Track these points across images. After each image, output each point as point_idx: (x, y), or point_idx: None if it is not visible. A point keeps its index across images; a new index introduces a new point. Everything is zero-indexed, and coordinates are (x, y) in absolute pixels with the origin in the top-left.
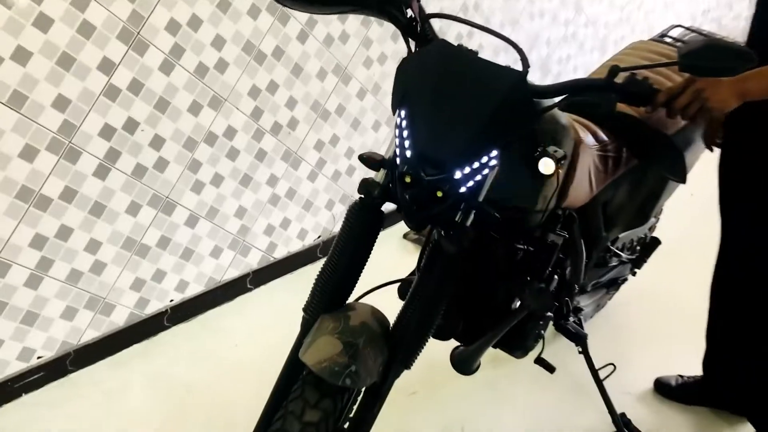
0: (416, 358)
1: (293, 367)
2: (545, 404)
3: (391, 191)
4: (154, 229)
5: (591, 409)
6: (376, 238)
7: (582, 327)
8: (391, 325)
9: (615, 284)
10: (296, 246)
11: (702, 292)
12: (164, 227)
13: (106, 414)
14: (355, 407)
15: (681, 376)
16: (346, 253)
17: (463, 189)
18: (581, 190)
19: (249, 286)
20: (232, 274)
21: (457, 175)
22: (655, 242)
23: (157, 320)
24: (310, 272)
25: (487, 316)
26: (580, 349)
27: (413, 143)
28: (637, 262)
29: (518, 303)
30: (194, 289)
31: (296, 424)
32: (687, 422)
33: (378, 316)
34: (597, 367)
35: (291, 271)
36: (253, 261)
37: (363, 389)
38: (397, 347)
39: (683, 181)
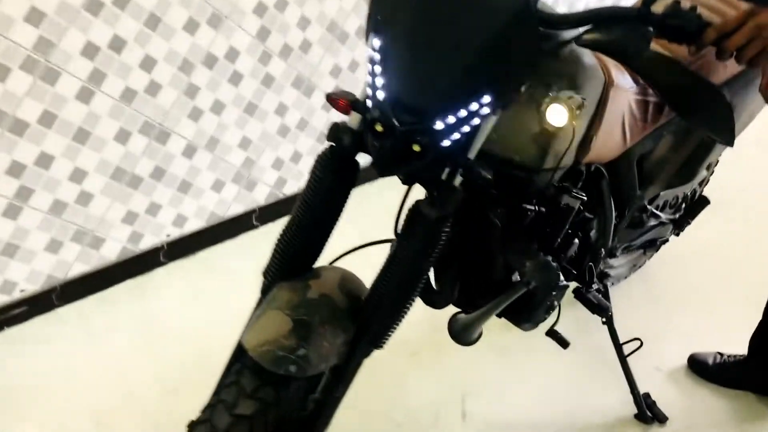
0: (389, 336)
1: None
2: (559, 379)
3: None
4: (147, 159)
5: (612, 387)
6: (349, 193)
7: (607, 295)
8: (367, 293)
9: (653, 245)
10: None
11: (759, 255)
12: (158, 157)
13: (91, 353)
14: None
15: (720, 354)
16: (313, 209)
17: (446, 143)
18: (611, 143)
19: (255, 222)
20: (237, 209)
21: (438, 125)
22: (703, 202)
23: (153, 256)
24: None
25: (485, 286)
26: (603, 320)
27: (386, 83)
28: (680, 223)
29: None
30: (194, 225)
31: (225, 417)
32: (724, 408)
33: (349, 285)
34: (622, 340)
35: None
36: (260, 197)
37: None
38: (367, 323)
39: (730, 143)
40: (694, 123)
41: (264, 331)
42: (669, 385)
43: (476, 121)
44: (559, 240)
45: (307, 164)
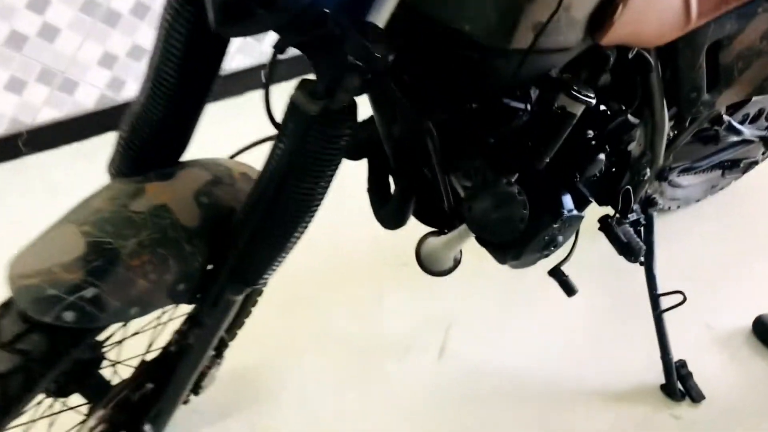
0: (267, 273)
1: None
2: (570, 326)
3: None
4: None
5: (637, 347)
6: (221, 57)
7: (651, 229)
8: (240, 208)
9: (736, 166)
10: None
11: None
12: None
13: (51, 207)
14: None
15: None
16: (161, 80)
17: None
18: (659, 16)
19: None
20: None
21: None
22: None
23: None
24: None
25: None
26: (641, 261)
27: None
28: None
29: None
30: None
31: None
32: None
33: (221, 191)
34: (662, 290)
35: None
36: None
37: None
38: (235, 250)
39: None
40: None
41: (38, 255)
42: (717, 354)
43: None
44: (544, 162)
45: None
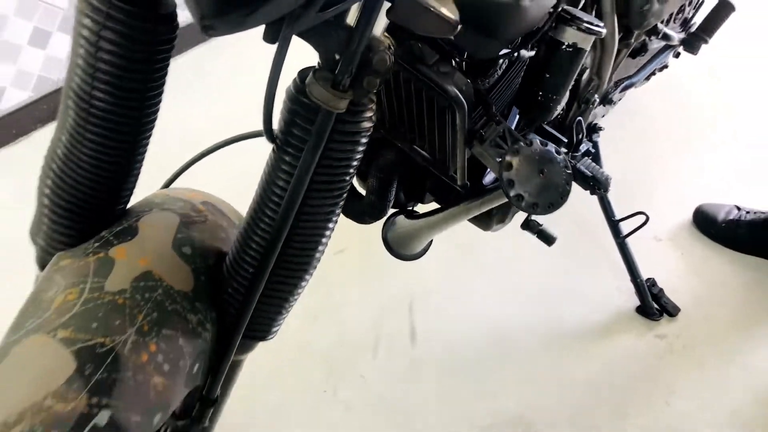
0: (280, 320)
1: None
2: (538, 269)
3: None
4: None
5: (606, 275)
6: (165, 60)
7: (598, 157)
8: (233, 247)
9: (653, 74)
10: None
11: None
12: None
13: None
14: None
15: (738, 209)
16: (91, 109)
17: None
18: None
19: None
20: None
21: None
22: (726, 9)
23: None
24: None
25: (441, 185)
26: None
27: None
28: (692, 43)
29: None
30: (17, 98)
31: None
32: (744, 290)
33: (199, 231)
34: (619, 215)
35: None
36: None
37: None
38: (240, 300)
39: None
40: None
41: (12, 390)
42: (673, 261)
43: None
44: (557, 110)
45: None
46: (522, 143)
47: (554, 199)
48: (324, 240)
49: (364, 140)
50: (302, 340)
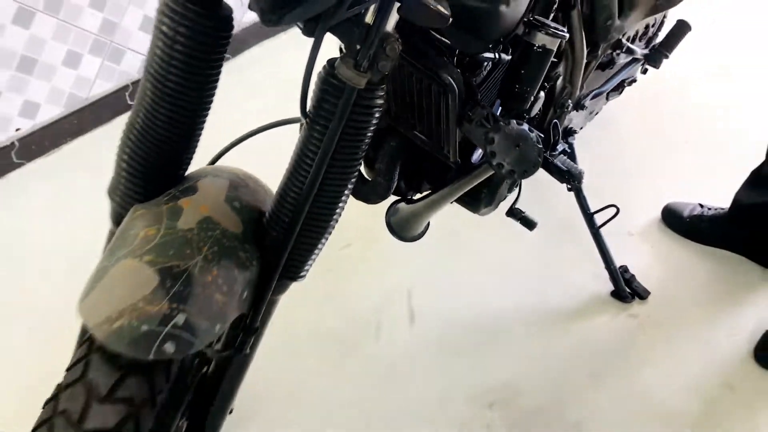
0: (312, 260)
1: None
2: (522, 259)
3: None
4: None
5: (583, 264)
6: (222, 55)
7: (574, 156)
8: (272, 205)
9: (619, 88)
10: None
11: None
12: None
13: None
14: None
15: (701, 206)
16: (166, 90)
17: None
18: None
19: (131, 102)
20: (104, 88)
21: None
22: (684, 28)
23: (2, 157)
24: None
25: (438, 167)
26: (570, 187)
27: None
28: (655, 58)
29: (481, 155)
30: (49, 113)
31: None
32: (706, 275)
33: (244, 193)
34: (593, 209)
35: None
36: (131, 68)
37: None
38: (278, 247)
39: None
40: None
41: (113, 296)
42: (644, 253)
43: None
44: (531, 100)
45: None
46: (501, 123)
47: (528, 167)
48: (343, 197)
49: (377, 114)
50: (314, 324)
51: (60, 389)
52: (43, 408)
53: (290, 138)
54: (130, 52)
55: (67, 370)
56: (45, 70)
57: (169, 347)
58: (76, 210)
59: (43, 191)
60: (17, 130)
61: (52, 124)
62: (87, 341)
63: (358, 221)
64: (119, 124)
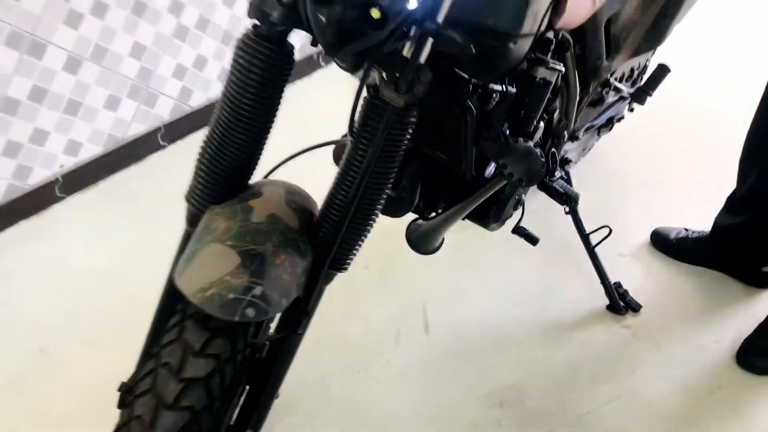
0: (353, 256)
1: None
2: (526, 276)
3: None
4: (22, 78)
5: (580, 281)
6: (283, 86)
7: (570, 182)
8: (319, 210)
9: (609, 124)
10: (217, 90)
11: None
12: (35, 75)
13: None
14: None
15: (686, 230)
16: (239, 111)
17: (413, 3)
18: (582, 2)
19: (161, 142)
20: (138, 129)
21: None
22: (664, 70)
23: (47, 191)
24: None
25: (453, 187)
26: (567, 210)
27: None
28: (640, 96)
29: (494, 169)
30: (90, 151)
31: (173, 385)
32: (692, 290)
33: (297, 199)
34: (588, 230)
35: None
36: (164, 112)
37: None
38: (327, 243)
39: None
40: None
41: (205, 271)
42: (636, 271)
43: None
44: (532, 126)
45: (213, 71)
46: (511, 140)
47: (533, 176)
48: (381, 201)
49: (410, 130)
50: (338, 334)
51: (160, 347)
52: (141, 359)
53: (324, 159)
54: (163, 97)
55: (155, 330)
56: (88, 113)
57: (250, 311)
58: (112, 238)
59: (82, 222)
60: (61, 166)
61: (92, 161)
62: (177, 310)
63: (374, 245)
64: (152, 162)
